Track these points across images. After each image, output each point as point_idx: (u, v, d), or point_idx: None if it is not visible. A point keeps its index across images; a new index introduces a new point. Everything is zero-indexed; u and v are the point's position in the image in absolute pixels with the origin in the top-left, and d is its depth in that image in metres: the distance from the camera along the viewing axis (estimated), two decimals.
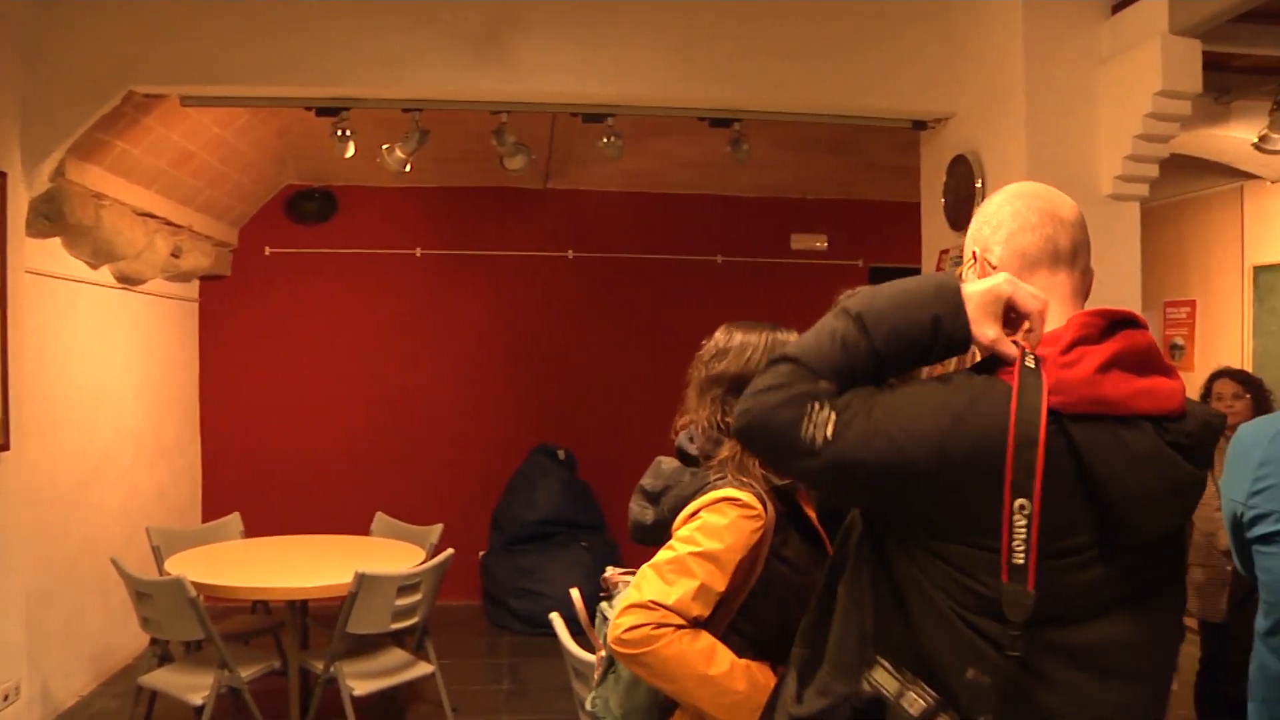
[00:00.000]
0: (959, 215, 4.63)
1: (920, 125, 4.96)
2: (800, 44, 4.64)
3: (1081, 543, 1.27)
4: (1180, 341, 6.77)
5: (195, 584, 3.98)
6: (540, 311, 7.46)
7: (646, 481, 2.17)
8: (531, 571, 6.60)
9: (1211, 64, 4.69)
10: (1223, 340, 6.44)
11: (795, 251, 7.68)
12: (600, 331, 7.54)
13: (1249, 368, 5.83)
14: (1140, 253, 4.50)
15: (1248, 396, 4.66)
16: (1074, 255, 1.46)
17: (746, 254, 7.62)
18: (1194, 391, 5.08)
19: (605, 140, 5.07)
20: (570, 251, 7.46)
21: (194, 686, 4.07)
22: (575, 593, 2.36)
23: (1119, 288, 4.33)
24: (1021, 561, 1.23)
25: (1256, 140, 5.12)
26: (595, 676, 2.11)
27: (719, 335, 2.15)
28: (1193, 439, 1.30)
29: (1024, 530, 1.23)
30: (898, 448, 1.28)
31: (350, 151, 4.98)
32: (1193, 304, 6.71)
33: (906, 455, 1.27)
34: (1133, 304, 4.38)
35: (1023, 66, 4.29)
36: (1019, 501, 1.23)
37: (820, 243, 7.67)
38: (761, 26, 4.61)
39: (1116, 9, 4.36)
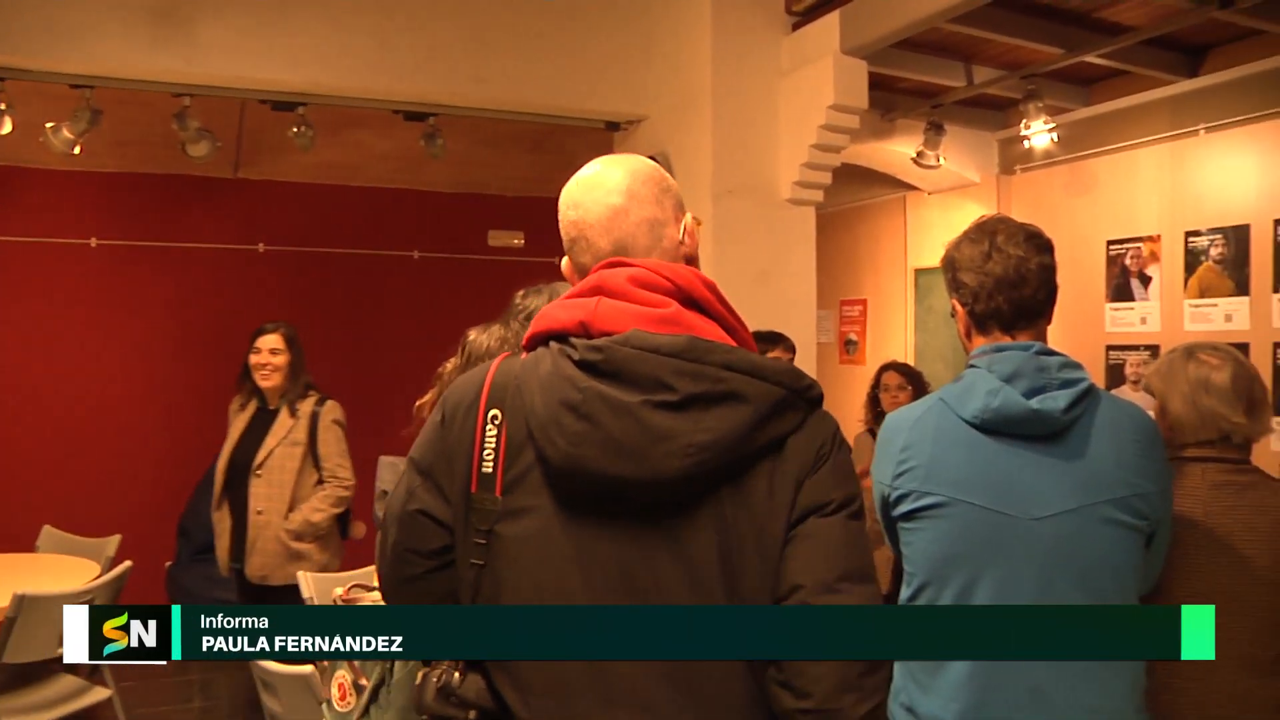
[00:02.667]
0: None
1: (614, 126, 5.12)
2: (499, 41, 4.65)
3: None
4: (854, 337, 7.30)
5: None
6: (230, 307, 7.02)
7: (385, 482, 2.15)
8: (225, 581, 6.27)
9: (879, 84, 5.12)
10: (890, 336, 7.00)
11: (493, 248, 7.68)
12: (295, 327, 7.25)
13: (911, 360, 6.38)
14: (816, 254, 4.84)
15: (910, 387, 5.12)
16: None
17: (444, 250, 7.56)
18: (865, 382, 5.53)
19: (296, 130, 4.88)
20: (262, 245, 7.12)
21: None
22: None
23: (797, 285, 4.64)
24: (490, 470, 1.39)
25: (915, 155, 5.61)
26: (339, 702, 1.97)
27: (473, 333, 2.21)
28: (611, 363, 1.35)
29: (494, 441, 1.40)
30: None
31: (7, 128, 4.48)
32: (864, 302, 7.25)
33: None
34: (808, 300, 4.70)
35: (710, 75, 4.52)
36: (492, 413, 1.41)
37: (517, 240, 7.72)
38: (460, 22, 4.58)
39: (796, 27, 4.67)
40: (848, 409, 5.62)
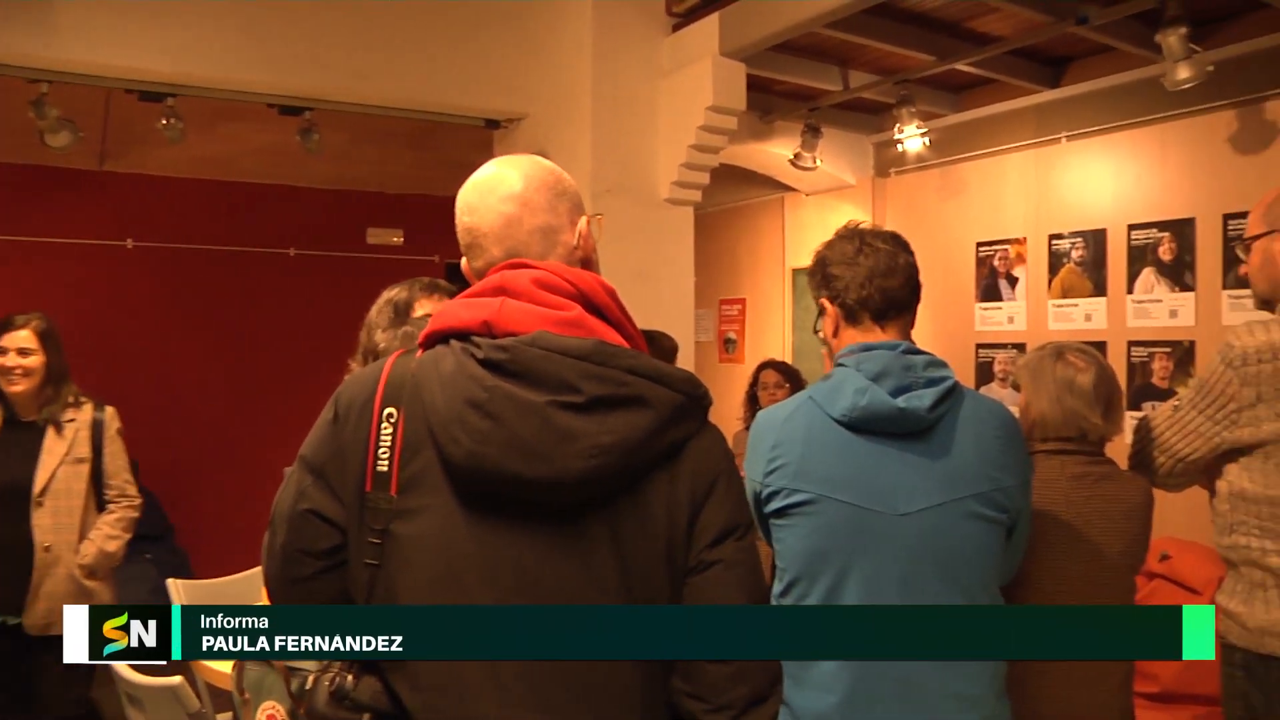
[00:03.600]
0: None
1: (494, 124, 5.09)
2: (378, 36, 4.55)
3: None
4: (733, 336, 7.39)
5: None
6: (96, 306, 6.78)
7: None
8: None
9: (758, 86, 5.20)
10: (768, 334, 7.11)
11: (371, 246, 7.57)
12: (165, 326, 6.98)
13: (789, 359, 6.49)
14: (696, 253, 4.89)
15: (788, 385, 5.21)
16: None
17: (321, 248, 7.40)
18: (744, 381, 5.61)
19: (164, 122, 4.71)
20: (130, 240, 6.87)
21: None
22: None
23: (675, 285, 4.68)
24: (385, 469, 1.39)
25: (792, 157, 5.71)
26: None
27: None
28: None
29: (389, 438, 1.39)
30: None
31: None
32: (743, 302, 7.35)
33: None
34: (686, 298, 4.75)
35: (591, 74, 4.53)
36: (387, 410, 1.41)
37: (396, 238, 7.62)
38: (338, 14, 4.46)
39: (676, 28, 4.71)
40: (727, 407, 5.70)
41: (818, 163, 5.76)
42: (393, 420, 1.40)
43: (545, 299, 1.41)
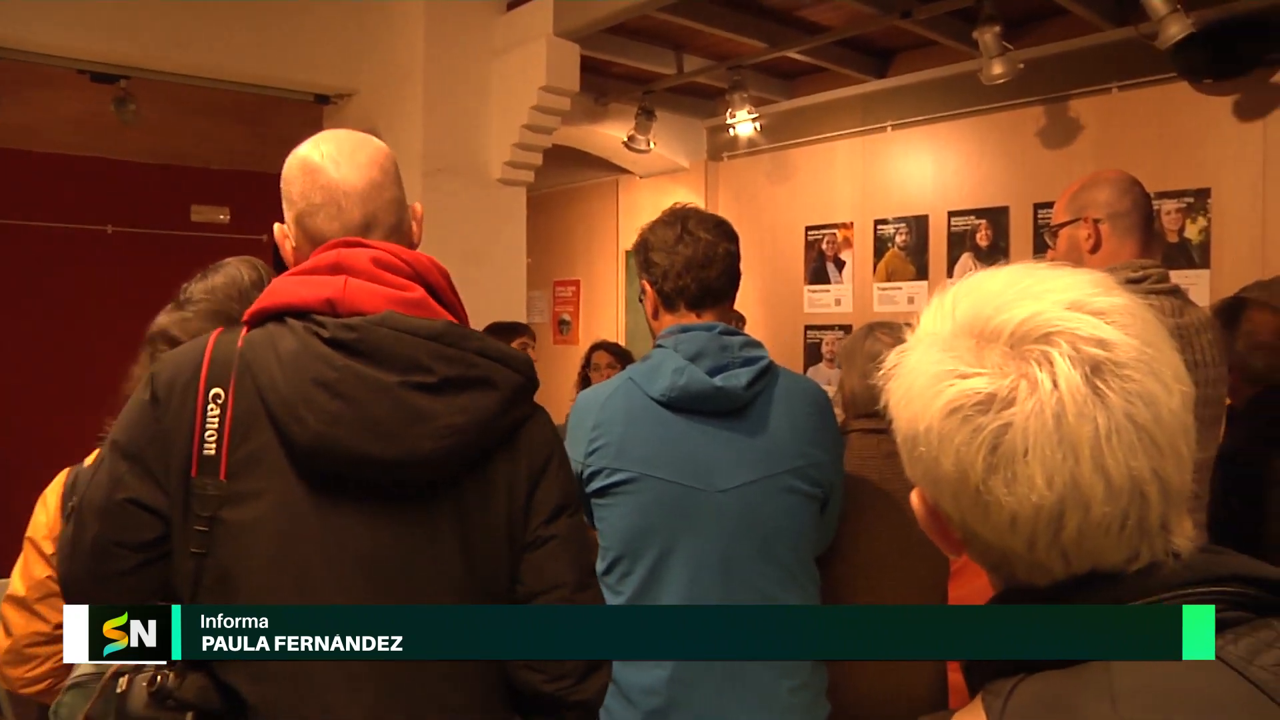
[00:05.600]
0: None
1: (324, 100, 4.95)
2: (199, 2, 4.31)
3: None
4: (567, 317, 7.39)
5: None
6: None
7: None
8: None
9: (593, 68, 5.19)
10: (602, 316, 7.13)
11: (196, 224, 7.26)
12: None
13: (622, 341, 6.53)
14: (530, 234, 4.86)
15: (620, 366, 5.23)
16: None
17: (142, 225, 7.04)
18: (576, 362, 5.61)
19: None
20: None
21: None
22: None
23: (508, 265, 4.65)
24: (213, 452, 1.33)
25: (626, 140, 5.73)
26: None
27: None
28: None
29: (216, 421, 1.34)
30: None
31: None
32: (577, 283, 7.35)
33: None
34: (519, 279, 4.72)
35: (423, 51, 4.44)
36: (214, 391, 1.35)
37: (223, 215, 7.33)
38: None
39: (511, 7, 4.65)
40: (562, 388, 5.69)
41: (651, 145, 5.79)
42: (220, 401, 1.34)
43: (388, 279, 1.38)
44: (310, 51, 4.62)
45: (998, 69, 4.30)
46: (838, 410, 2.44)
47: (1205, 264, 4.26)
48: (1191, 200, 4.30)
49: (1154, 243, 2.46)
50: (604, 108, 5.88)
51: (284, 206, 1.50)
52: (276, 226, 1.52)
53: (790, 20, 4.97)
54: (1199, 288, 4.18)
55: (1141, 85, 4.45)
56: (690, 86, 5.95)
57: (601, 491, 2.02)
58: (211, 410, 1.33)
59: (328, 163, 1.45)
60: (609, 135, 5.97)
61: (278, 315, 1.37)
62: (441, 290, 1.44)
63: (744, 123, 5.63)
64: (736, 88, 5.41)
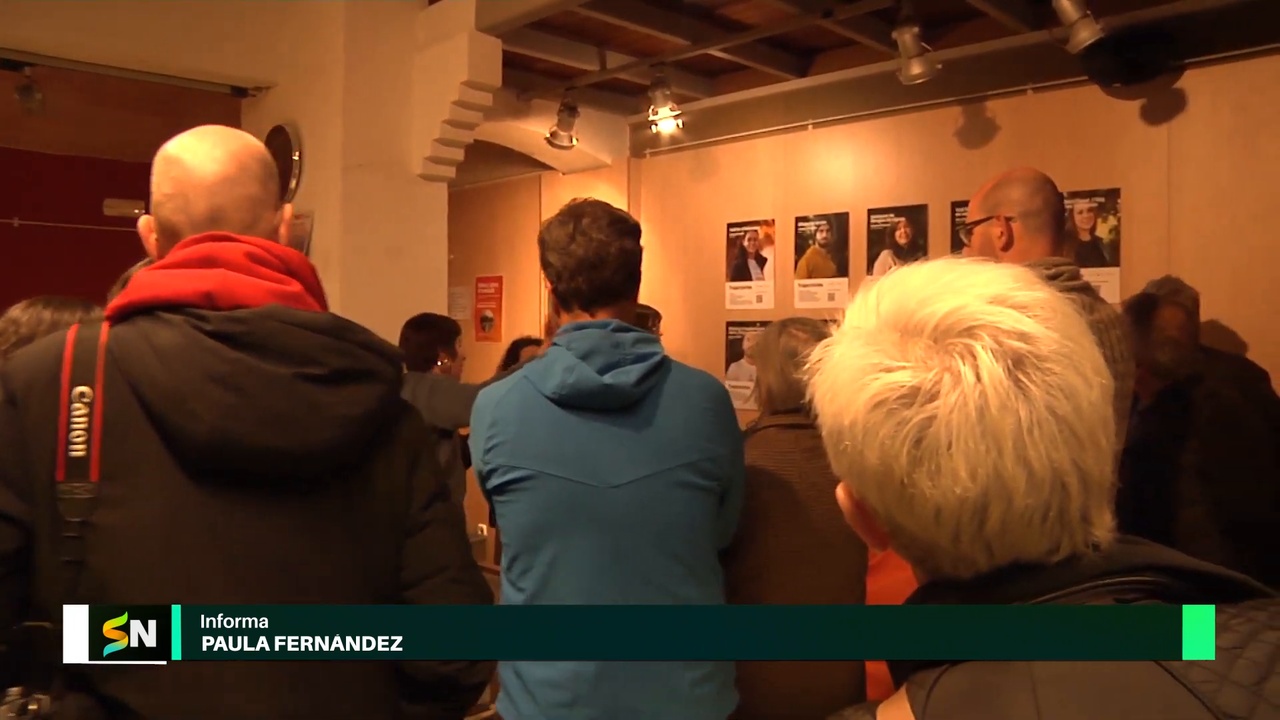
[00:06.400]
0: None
1: (241, 92, 4.85)
2: None
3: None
4: (490, 314, 7.35)
5: None
6: None
7: None
8: None
9: (515, 64, 5.17)
10: (525, 312, 7.10)
11: (109, 218, 7.09)
12: None
13: (543, 336, 6.51)
14: (453, 231, 4.83)
15: None
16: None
17: (52, 218, 6.90)
18: (498, 357, 5.58)
19: None
20: None
21: None
22: None
23: (429, 261, 4.61)
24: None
25: (549, 136, 5.71)
26: None
27: (15, 311, 2.05)
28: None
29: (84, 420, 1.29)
30: None
31: None
32: (500, 279, 7.31)
33: None
34: (440, 275, 4.68)
35: (343, 44, 4.38)
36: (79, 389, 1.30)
37: (138, 209, 7.14)
38: None
39: (433, 1, 4.61)
40: None
41: (574, 142, 5.78)
42: (86, 400, 1.28)
43: (263, 272, 1.38)
44: (227, 42, 4.51)
45: (916, 69, 4.36)
46: (752, 406, 2.46)
47: (1116, 262, 4.37)
48: (1103, 200, 4.41)
49: (1065, 240, 2.52)
50: (527, 104, 5.85)
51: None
52: (142, 219, 1.48)
53: (713, 18, 4.99)
54: (1110, 285, 4.29)
55: (1055, 88, 4.55)
56: (613, 83, 5.95)
57: (500, 489, 2.05)
58: (77, 410, 1.28)
59: (184, 153, 1.44)
60: (532, 131, 5.94)
61: (145, 309, 1.34)
62: (312, 286, 1.45)
63: (666, 120, 5.64)
64: (659, 85, 5.42)
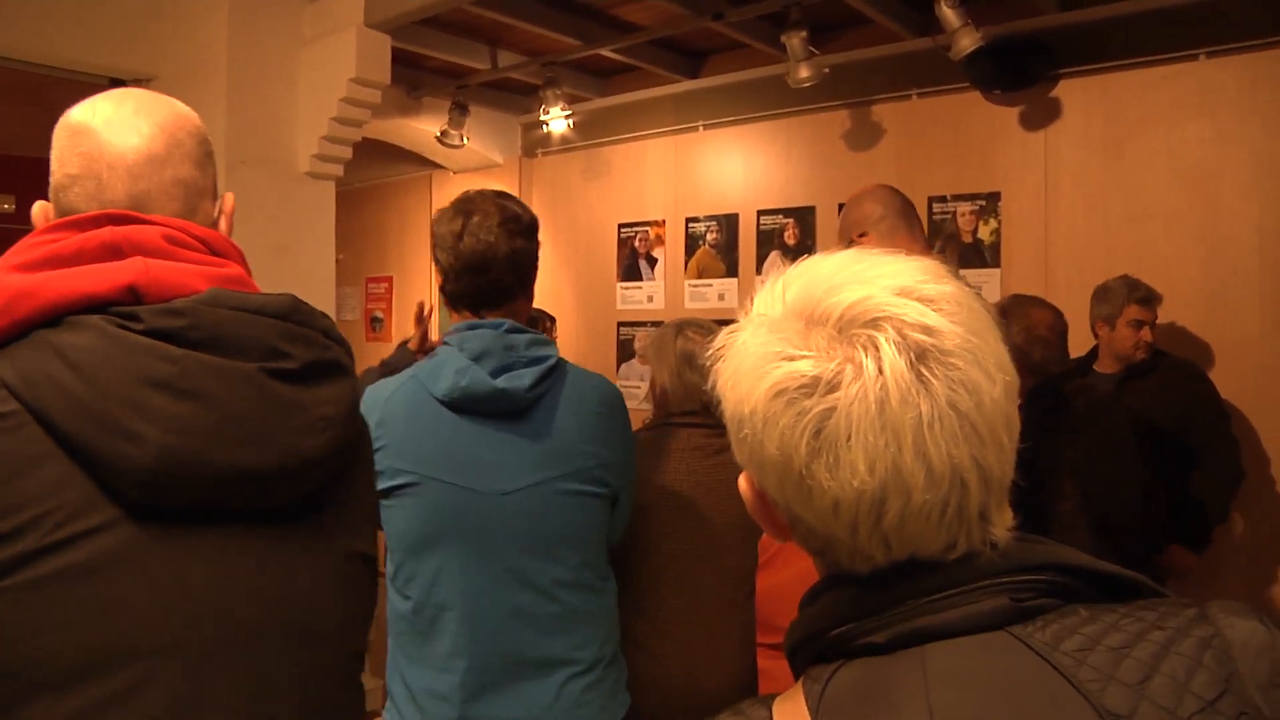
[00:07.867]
0: None
1: (119, 84, 4.69)
2: None
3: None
4: (380, 314, 7.24)
5: None
6: None
7: None
8: None
9: (406, 61, 5.11)
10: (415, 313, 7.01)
11: None
12: None
13: (436, 337, 6.42)
14: (341, 230, 4.74)
15: None
16: None
17: None
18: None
19: None
20: None
21: None
22: None
23: (316, 261, 4.53)
24: None
25: (439, 135, 5.66)
26: None
27: None
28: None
29: None
30: None
31: None
32: (390, 280, 7.21)
33: None
34: (328, 275, 4.60)
35: (226, 37, 4.26)
36: None
37: (7, 205, 6.91)
38: None
39: None
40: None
41: (465, 141, 5.73)
42: None
43: (192, 256, 1.12)
44: (104, 31, 4.34)
45: (804, 73, 4.43)
46: (644, 406, 2.47)
47: (996, 263, 4.50)
48: (984, 203, 4.54)
49: (921, 238, 2.58)
50: (417, 101, 5.78)
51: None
52: (37, 207, 1.20)
53: (604, 18, 4.99)
54: (990, 285, 4.42)
55: (939, 93, 4.67)
56: (505, 82, 5.91)
57: (386, 493, 1.96)
58: None
59: (99, 123, 1.14)
60: (422, 129, 5.87)
61: (45, 320, 1.04)
62: (248, 271, 1.23)
63: (557, 120, 5.62)
64: (550, 84, 5.40)
